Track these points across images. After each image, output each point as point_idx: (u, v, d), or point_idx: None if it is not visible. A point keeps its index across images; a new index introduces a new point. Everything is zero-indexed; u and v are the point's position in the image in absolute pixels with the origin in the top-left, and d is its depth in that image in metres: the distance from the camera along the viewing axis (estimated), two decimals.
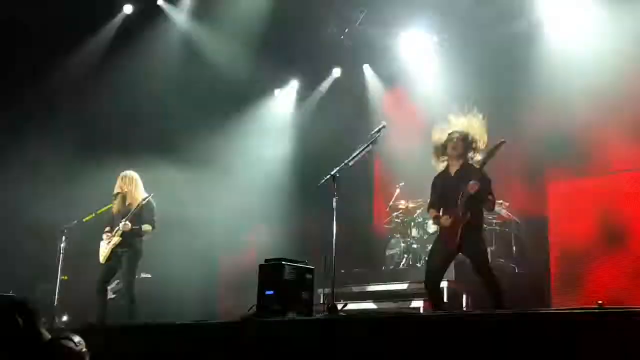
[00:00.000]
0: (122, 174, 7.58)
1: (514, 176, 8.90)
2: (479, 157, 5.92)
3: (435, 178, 6.11)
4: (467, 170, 5.85)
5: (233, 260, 10.39)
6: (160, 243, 8.11)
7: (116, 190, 7.50)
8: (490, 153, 5.74)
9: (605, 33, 8.14)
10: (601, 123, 8.14)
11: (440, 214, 5.92)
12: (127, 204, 7.45)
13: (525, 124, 8.78)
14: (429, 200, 6.21)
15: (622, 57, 7.89)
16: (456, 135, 5.94)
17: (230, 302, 9.15)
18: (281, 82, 11.74)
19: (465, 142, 5.92)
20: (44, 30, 9.34)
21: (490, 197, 5.75)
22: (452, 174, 5.95)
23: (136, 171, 7.63)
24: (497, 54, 9.23)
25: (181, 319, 6.59)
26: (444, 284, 7.28)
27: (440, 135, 6.07)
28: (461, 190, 5.67)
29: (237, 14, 9.91)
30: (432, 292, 5.93)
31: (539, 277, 8.56)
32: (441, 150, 6.05)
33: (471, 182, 5.60)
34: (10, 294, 6.96)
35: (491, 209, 6.18)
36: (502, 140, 5.74)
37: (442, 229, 5.91)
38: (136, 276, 7.49)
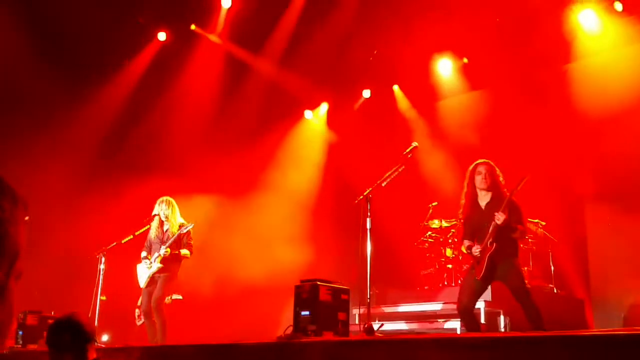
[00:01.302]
0: (160, 199, 7.72)
1: (552, 195, 8.81)
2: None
3: (467, 210, 6.14)
4: (497, 201, 5.89)
5: (268, 281, 10.40)
6: (194, 266, 8.17)
7: (155, 213, 7.62)
8: (515, 188, 5.79)
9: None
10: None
11: (474, 244, 5.96)
12: (165, 228, 7.56)
13: (561, 142, 8.78)
14: (463, 233, 6.28)
15: None
16: (483, 168, 6.00)
17: (266, 323, 9.13)
18: (312, 104, 11.80)
19: (492, 175, 5.98)
20: (78, 58, 9.57)
21: (520, 226, 5.81)
22: (483, 207, 6.02)
23: (170, 195, 7.75)
24: (528, 76, 9.28)
25: (216, 340, 6.61)
26: (480, 305, 7.23)
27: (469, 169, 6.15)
28: (491, 222, 5.76)
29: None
30: (464, 320, 5.96)
31: (579, 298, 8.44)
32: (470, 183, 6.09)
33: (497, 214, 5.68)
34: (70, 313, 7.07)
35: (522, 238, 6.15)
36: (527, 176, 5.77)
37: (473, 260, 5.95)
38: (168, 297, 7.57)
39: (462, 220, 6.25)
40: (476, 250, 5.84)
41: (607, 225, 8.24)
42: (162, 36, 10.32)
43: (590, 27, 8.97)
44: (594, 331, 5.04)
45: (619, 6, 8.66)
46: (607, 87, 8.31)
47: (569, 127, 8.86)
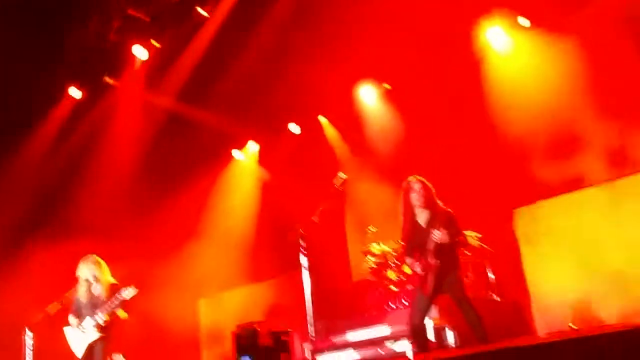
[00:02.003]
0: (86, 258, 7.34)
1: (483, 206, 9.03)
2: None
3: (406, 228, 6.17)
4: (435, 217, 5.95)
5: (211, 327, 10.20)
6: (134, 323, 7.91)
7: (83, 275, 7.26)
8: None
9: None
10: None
11: (416, 261, 6.01)
12: (94, 290, 7.21)
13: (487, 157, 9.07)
14: (404, 251, 6.30)
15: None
16: (417, 185, 6.07)
17: None
18: (239, 143, 11.76)
19: (427, 190, 6.06)
20: None
21: (460, 238, 5.96)
22: (423, 225, 6.06)
23: (97, 254, 7.43)
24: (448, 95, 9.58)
25: None
26: (429, 322, 7.28)
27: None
28: (432, 230, 5.83)
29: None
30: (416, 340, 5.99)
31: (520, 303, 8.61)
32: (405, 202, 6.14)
33: (434, 233, 5.77)
34: None
35: (464, 246, 6.29)
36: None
37: (418, 277, 5.98)
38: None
39: (402, 239, 6.27)
40: (418, 268, 5.90)
41: (537, 229, 8.48)
42: (75, 93, 10.06)
43: (499, 44, 9.32)
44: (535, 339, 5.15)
45: (523, 21, 9.01)
46: (521, 100, 8.63)
47: (491, 140, 9.13)
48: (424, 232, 5.96)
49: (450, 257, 5.91)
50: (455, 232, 5.91)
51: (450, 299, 6.15)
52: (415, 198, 6.04)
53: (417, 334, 5.94)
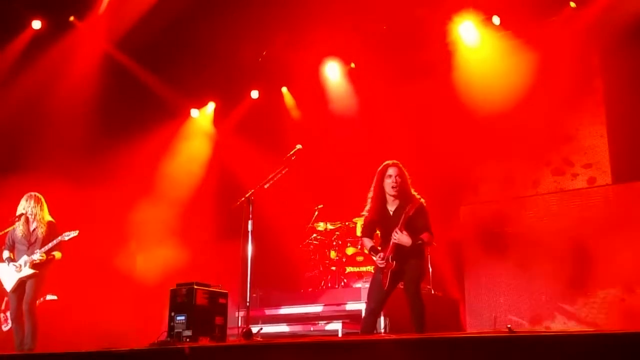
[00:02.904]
0: (28, 194, 7.29)
1: (428, 198, 9.09)
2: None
3: (373, 211, 5.90)
4: (404, 208, 5.68)
5: (146, 283, 10.03)
6: (68, 265, 7.74)
7: (20, 211, 7.19)
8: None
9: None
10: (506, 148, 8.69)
11: (377, 249, 5.82)
12: (31, 227, 7.14)
13: (438, 147, 9.13)
14: (364, 229, 6.06)
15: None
16: (394, 171, 5.81)
17: (139, 328, 8.78)
18: (198, 103, 11.52)
19: (402, 178, 5.81)
20: None
21: (425, 235, 5.65)
22: (391, 213, 5.82)
23: (41, 192, 7.31)
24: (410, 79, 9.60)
25: (87, 346, 6.30)
26: (362, 307, 7.29)
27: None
28: (398, 216, 5.62)
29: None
30: (368, 325, 5.78)
31: (455, 299, 8.75)
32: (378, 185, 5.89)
33: (395, 234, 5.51)
34: None
35: (429, 245, 6.05)
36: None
37: (377, 268, 5.77)
38: (40, 299, 7.21)
39: (365, 220, 6.01)
40: (380, 261, 5.65)
41: (480, 229, 8.61)
42: (36, 24, 9.66)
43: (470, 39, 9.38)
44: (465, 334, 5.21)
45: (496, 20, 9.10)
46: (483, 97, 8.72)
47: (447, 131, 9.20)
48: (391, 221, 5.72)
49: (411, 253, 5.61)
50: (421, 226, 5.66)
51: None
52: (389, 184, 5.77)
53: (371, 318, 5.74)
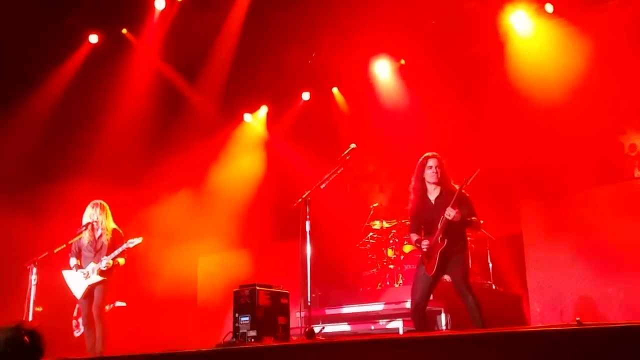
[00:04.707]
0: (93, 202, 7.48)
1: (487, 193, 8.97)
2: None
3: (415, 203, 6.07)
4: (446, 195, 5.85)
5: (208, 286, 10.23)
6: (130, 270, 7.97)
7: (85, 220, 7.40)
8: (465, 181, 5.79)
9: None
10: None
11: (422, 238, 5.92)
12: (97, 234, 7.34)
13: (495, 142, 8.95)
14: (410, 226, 6.22)
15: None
16: (433, 161, 5.95)
17: (208, 330, 8.96)
18: (251, 107, 11.67)
19: (442, 168, 5.94)
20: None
21: (473, 219, 5.80)
22: (432, 201, 5.96)
23: (105, 199, 7.53)
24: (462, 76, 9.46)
25: (158, 347, 6.46)
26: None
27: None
28: (440, 216, 5.70)
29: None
30: (416, 319, 5.89)
31: (517, 294, 8.59)
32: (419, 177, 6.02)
33: (448, 210, 5.63)
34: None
35: (477, 229, 6.16)
36: (478, 169, 5.77)
37: (422, 255, 5.90)
38: (110, 305, 7.42)
39: (410, 214, 6.17)
40: (425, 244, 5.79)
41: (541, 221, 8.42)
42: (93, 38, 9.99)
43: (522, 29, 9.19)
44: (531, 328, 5.12)
45: (549, 7, 8.89)
46: (539, 88, 8.53)
47: (503, 125, 9.04)
48: (433, 210, 5.86)
49: (458, 238, 5.79)
50: (468, 212, 5.79)
51: (448, 282, 6.09)
52: (429, 174, 5.93)
53: (417, 312, 5.85)
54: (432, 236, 5.79)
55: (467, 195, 5.89)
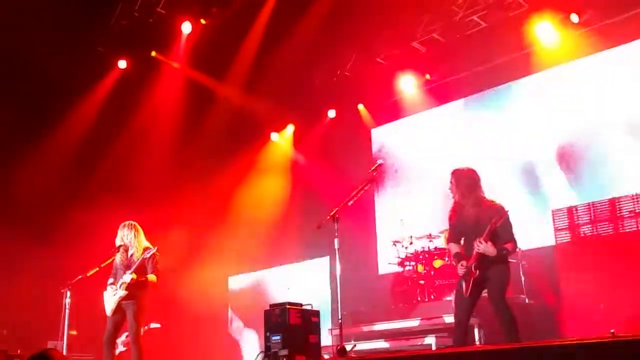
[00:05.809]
0: (123, 224, 7.51)
1: (519, 205, 8.88)
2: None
3: (455, 215, 5.92)
4: (486, 212, 5.66)
5: (239, 305, 10.28)
6: (166, 292, 8.03)
7: (118, 242, 7.45)
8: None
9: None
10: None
11: (462, 253, 5.80)
12: (129, 253, 7.38)
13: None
14: (447, 235, 6.11)
15: None
16: (464, 173, 5.85)
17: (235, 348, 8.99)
18: (278, 126, 11.77)
19: (473, 179, 5.82)
20: (36, 89, 9.43)
21: (509, 244, 5.57)
22: (472, 216, 5.77)
23: (136, 220, 7.59)
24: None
25: None
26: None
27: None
28: (481, 225, 5.57)
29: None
30: (457, 334, 5.78)
31: (550, 307, 8.45)
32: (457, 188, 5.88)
33: (478, 243, 5.48)
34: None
35: (512, 254, 5.97)
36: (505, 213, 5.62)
37: (460, 276, 5.75)
38: (144, 327, 7.37)
39: (449, 222, 6.00)
40: (461, 268, 5.66)
41: (574, 234, 8.29)
42: (122, 64, 10.22)
43: (548, 39, 9.14)
44: (565, 341, 5.03)
45: (575, 18, 8.83)
46: (566, 99, 8.47)
47: (530, 135, 8.97)
48: (469, 228, 5.71)
49: (495, 261, 5.57)
50: (505, 235, 5.59)
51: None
52: (464, 185, 5.77)
53: (459, 329, 5.73)
54: (469, 258, 5.63)
55: (507, 214, 5.63)
